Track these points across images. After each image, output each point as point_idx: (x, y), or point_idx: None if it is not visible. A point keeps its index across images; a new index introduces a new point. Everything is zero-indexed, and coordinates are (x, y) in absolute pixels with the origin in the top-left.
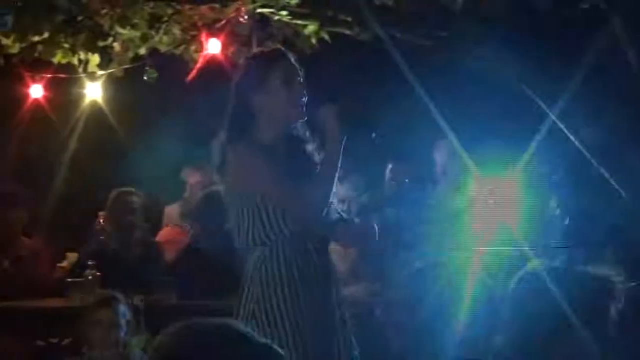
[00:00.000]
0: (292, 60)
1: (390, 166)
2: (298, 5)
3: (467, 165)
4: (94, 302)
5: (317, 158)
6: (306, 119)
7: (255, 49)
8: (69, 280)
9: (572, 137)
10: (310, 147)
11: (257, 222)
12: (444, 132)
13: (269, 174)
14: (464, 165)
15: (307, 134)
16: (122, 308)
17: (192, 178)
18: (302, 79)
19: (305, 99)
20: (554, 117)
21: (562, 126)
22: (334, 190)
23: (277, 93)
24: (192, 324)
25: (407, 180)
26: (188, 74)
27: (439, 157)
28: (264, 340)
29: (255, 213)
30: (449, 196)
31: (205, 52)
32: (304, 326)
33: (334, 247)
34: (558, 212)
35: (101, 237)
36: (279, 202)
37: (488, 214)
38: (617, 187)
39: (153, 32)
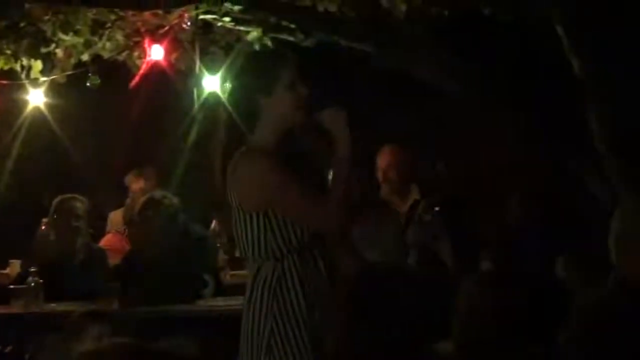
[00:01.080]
0: (298, 61)
1: (331, 172)
2: (241, 12)
3: (409, 171)
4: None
5: (318, 163)
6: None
7: (198, 56)
8: (12, 286)
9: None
10: (310, 152)
11: (267, 232)
12: (386, 137)
13: (284, 186)
14: (406, 171)
15: (307, 136)
16: None
17: (134, 184)
18: (306, 82)
19: (308, 102)
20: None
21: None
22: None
23: (282, 95)
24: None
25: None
26: (131, 79)
27: (381, 162)
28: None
29: (265, 223)
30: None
31: (148, 58)
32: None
33: None
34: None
35: (45, 244)
36: (296, 216)
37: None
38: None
39: (96, 38)
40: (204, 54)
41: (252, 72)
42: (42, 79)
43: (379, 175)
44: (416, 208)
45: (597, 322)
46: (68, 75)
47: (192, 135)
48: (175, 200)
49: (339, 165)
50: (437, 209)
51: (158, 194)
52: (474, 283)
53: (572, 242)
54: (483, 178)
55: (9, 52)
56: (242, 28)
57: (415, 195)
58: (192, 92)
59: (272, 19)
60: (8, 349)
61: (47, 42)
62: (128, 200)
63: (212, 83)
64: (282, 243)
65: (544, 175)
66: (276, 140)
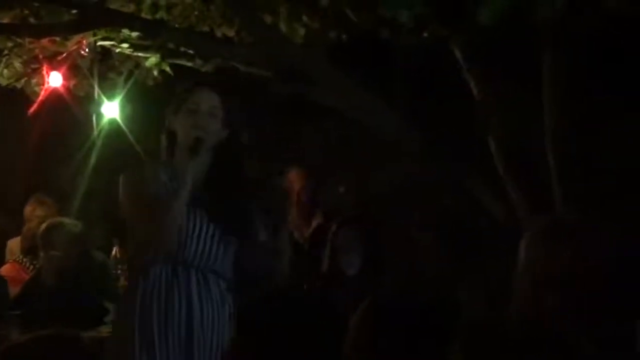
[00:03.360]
0: (211, 88)
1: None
2: (139, 38)
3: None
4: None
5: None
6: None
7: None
8: None
9: None
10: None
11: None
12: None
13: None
14: (313, 195)
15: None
16: None
17: (33, 211)
18: (216, 108)
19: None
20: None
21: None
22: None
23: (184, 119)
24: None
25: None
26: (30, 106)
27: (288, 186)
28: None
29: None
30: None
31: (46, 85)
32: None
33: None
34: None
35: None
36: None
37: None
38: None
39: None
40: (103, 80)
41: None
42: None
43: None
44: (321, 231)
45: (483, 345)
46: None
47: (92, 162)
48: (77, 226)
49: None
50: (347, 229)
51: (58, 220)
52: (361, 310)
53: (471, 262)
54: (384, 199)
55: None
56: (140, 54)
57: (319, 219)
58: (92, 119)
59: (171, 45)
60: None
61: None
62: (25, 229)
63: (111, 109)
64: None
65: (443, 195)
66: (183, 162)
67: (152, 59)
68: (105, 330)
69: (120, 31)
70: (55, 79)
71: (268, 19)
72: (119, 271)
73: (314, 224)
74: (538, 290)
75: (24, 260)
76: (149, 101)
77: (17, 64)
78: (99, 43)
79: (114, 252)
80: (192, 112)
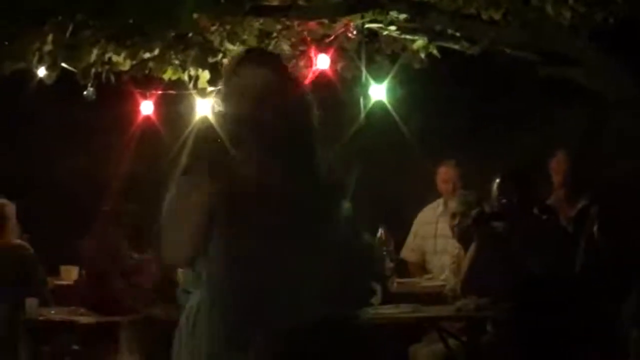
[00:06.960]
0: (261, 63)
1: (497, 181)
2: (406, 21)
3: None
4: None
5: None
6: None
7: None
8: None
9: None
10: None
11: None
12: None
13: None
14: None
15: None
16: None
17: None
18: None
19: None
20: None
21: None
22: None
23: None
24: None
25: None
26: None
27: (558, 168)
28: None
29: None
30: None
31: (314, 67)
32: None
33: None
34: None
35: None
36: None
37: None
38: None
39: (262, 48)
40: (369, 62)
41: None
42: (210, 88)
43: (554, 180)
44: (585, 213)
45: None
46: None
47: (359, 145)
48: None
49: None
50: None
51: None
52: None
53: None
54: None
55: (177, 62)
56: (407, 37)
57: (585, 200)
58: (359, 101)
59: (438, 27)
60: None
61: (214, 52)
62: None
63: (379, 92)
64: None
65: None
66: None
67: (419, 42)
68: (370, 312)
69: (387, 13)
70: (322, 61)
71: (535, 2)
72: (384, 252)
73: (580, 204)
74: None
75: None
76: (415, 84)
77: (286, 46)
78: (367, 25)
79: (379, 234)
80: (238, 96)
